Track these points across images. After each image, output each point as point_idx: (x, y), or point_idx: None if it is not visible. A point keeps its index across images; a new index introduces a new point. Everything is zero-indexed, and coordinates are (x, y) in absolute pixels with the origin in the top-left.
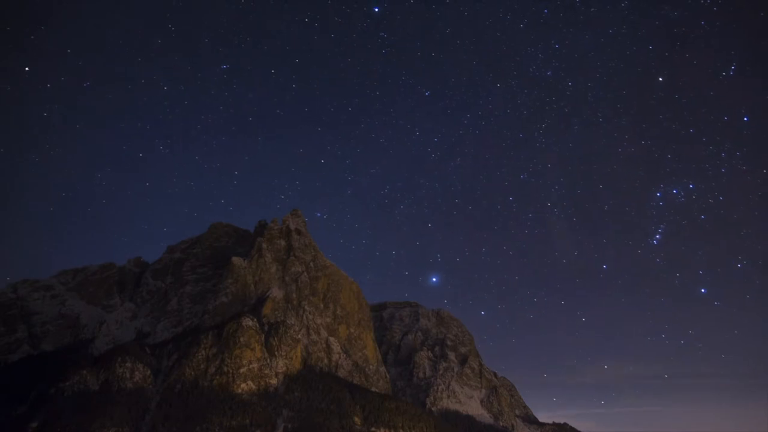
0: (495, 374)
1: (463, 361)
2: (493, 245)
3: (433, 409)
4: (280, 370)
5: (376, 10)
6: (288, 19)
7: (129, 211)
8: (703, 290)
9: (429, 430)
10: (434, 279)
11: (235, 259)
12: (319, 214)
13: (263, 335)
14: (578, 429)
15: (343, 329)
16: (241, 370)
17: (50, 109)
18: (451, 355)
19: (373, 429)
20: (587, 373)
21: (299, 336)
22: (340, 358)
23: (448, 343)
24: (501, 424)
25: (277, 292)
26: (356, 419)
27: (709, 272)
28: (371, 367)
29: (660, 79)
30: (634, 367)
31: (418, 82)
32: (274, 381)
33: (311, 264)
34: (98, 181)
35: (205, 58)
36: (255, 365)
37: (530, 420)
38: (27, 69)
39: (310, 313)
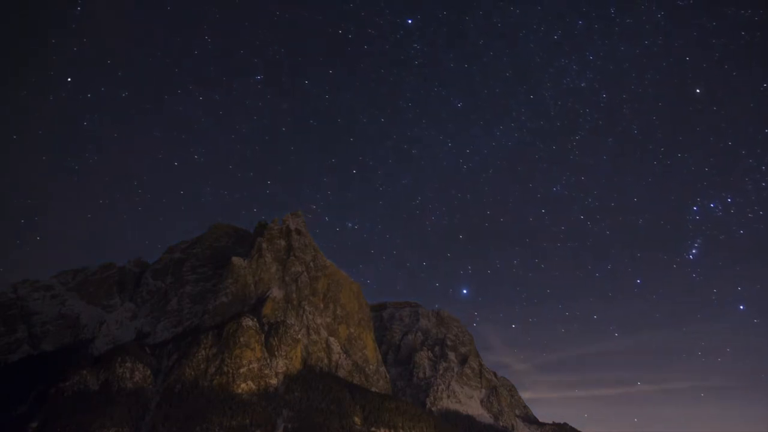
0: (495, 374)
1: (463, 361)
2: (524, 258)
3: (433, 409)
4: (280, 370)
5: (409, 21)
6: (322, 30)
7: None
8: (741, 307)
9: (429, 430)
10: (465, 291)
11: (235, 259)
12: (350, 225)
13: (263, 335)
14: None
15: (343, 329)
16: (241, 370)
17: (90, 119)
18: (451, 355)
19: (373, 429)
20: (620, 388)
21: (299, 336)
22: (340, 358)
23: (448, 343)
24: (501, 424)
25: (277, 292)
26: (356, 419)
27: (748, 288)
28: (371, 367)
29: (697, 90)
30: (668, 384)
31: (451, 94)
32: (274, 381)
33: (311, 264)
34: (135, 189)
35: (240, 69)
36: (255, 365)
37: (530, 420)
38: (69, 80)
39: (310, 313)
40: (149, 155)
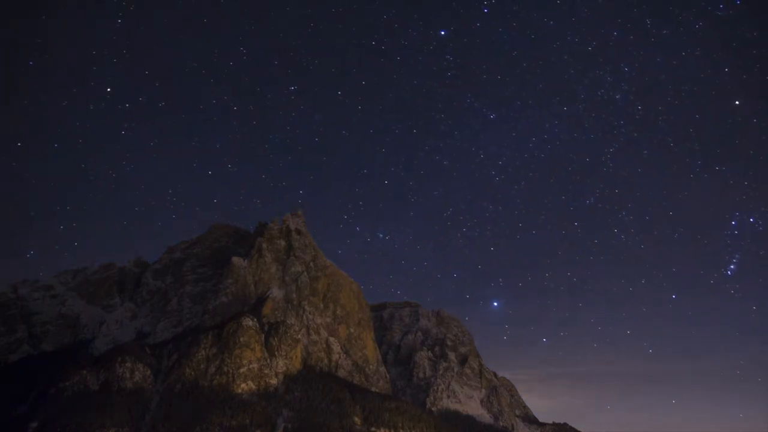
0: (495, 374)
1: (463, 361)
2: (556, 271)
3: (433, 409)
4: (280, 370)
5: (443, 33)
6: (355, 42)
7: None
8: None
9: (429, 430)
10: (495, 304)
11: (235, 259)
12: (381, 235)
13: (263, 335)
14: (578, 429)
15: (343, 329)
16: (241, 370)
17: (128, 128)
18: (451, 355)
19: (373, 429)
20: (654, 407)
21: (299, 336)
22: (340, 358)
23: (448, 343)
24: (501, 424)
25: (277, 292)
26: (356, 419)
27: None
28: (371, 367)
29: (737, 102)
30: (706, 404)
31: (484, 105)
32: (274, 381)
33: (311, 264)
34: (170, 197)
35: (273, 79)
36: (255, 365)
37: (530, 420)
38: (109, 90)
39: (310, 313)
40: (184, 164)
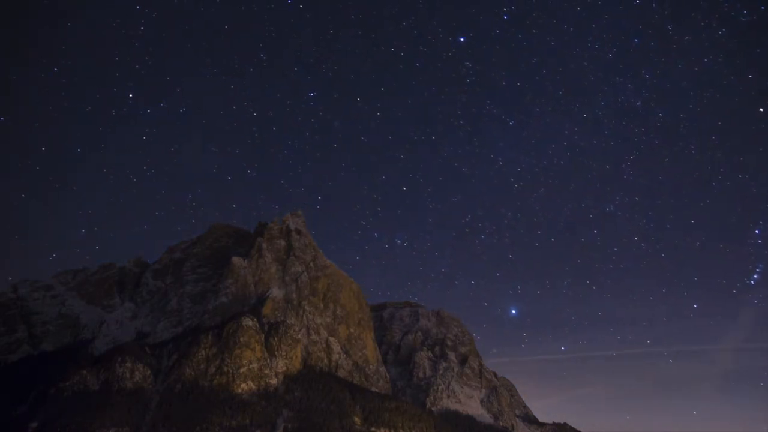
0: (495, 374)
1: (463, 361)
2: (575, 279)
3: (433, 409)
4: (280, 370)
5: (462, 39)
6: (374, 49)
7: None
8: None
9: (429, 430)
10: (513, 311)
11: (235, 259)
12: (399, 241)
13: (263, 335)
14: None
15: (343, 329)
16: (241, 370)
17: (149, 133)
18: (451, 355)
19: (373, 429)
20: (676, 417)
21: (299, 336)
22: (340, 358)
23: (448, 343)
24: (501, 424)
25: (277, 292)
26: (356, 419)
27: None
28: (371, 367)
29: (761, 110)
30: (727, 414)
31: (503, 112)
32: (274, 381)
33: (311, 264)
34: (189, 202)
35: (293, 86)
36: (255, 365)
37: (530, 420)
38: (131, 95)
39: (310, 313)
40: (205, 169)
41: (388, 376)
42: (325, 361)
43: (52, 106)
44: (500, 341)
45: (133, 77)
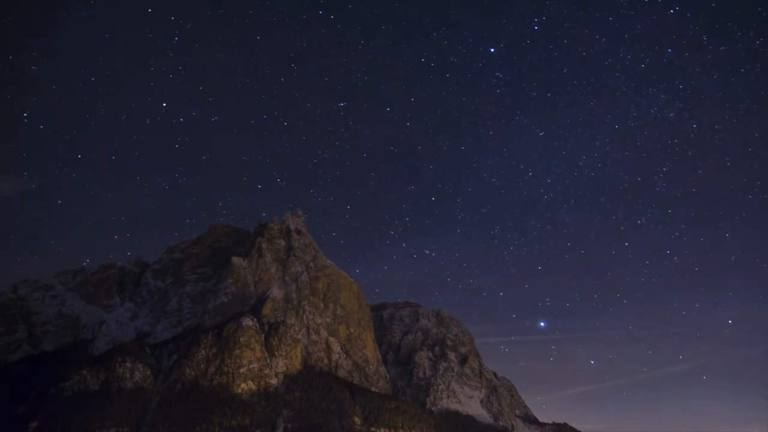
0: (495, 374)
1: (463, 361)
2: (605, 292)
3: (433, 409)
4: (280, 370)
5: (492, 50)
6: (405, 59)
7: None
8: None
9: (429, 430)
10: (542, 324)
11: (235, 259)
12: (427, 252)
13: (263, 335)
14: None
15: (343, 329)
16: (241, 370)
17: (181, 141)
18: (451, 355)
19: (373, 429)
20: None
21: (299, 336)
22: (340, 358)
23: (448, 343)
24: (501, 424)
25: (277, 292)
26: (356, 419)
27: None
28: (371, 367)
29: None
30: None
31: (533, 123)
32: (274, 381)
33: (311, 264)
34: (219, 209)
35: (323, 95)
36: (255, 365)
37: (530, 420)
38: (164, 104)
39: (310, 313)
40: (234, 178)
41: (388, 376)
42: (325, 361)
43: (89, 114)
44: (528, 353)
45: (167, 86)
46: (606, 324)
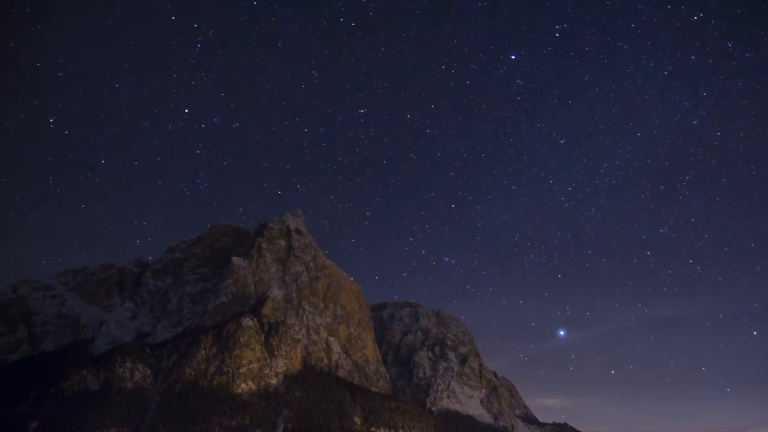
0: (495, 374)
1: (463, 361)
2: (626, 301)
3: (433, 409)
4: (280, 370)
5: (513, 57)
6: (425, 66)
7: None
8: None
9: (429, 430)
10: (562, 333)
11: (235, 259)
12: (446, 259)
13: (263, 335)
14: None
15: (343, 329)
16: (241, 370)
17: (203, 147)
18: (451, 355)
19: (373, 429)
20: None
21: (299, 336)
22: (340, 358)
23: (448, 343)
24: (501, 424)
25: (277, 292)
26: (356, 419)
27: None
28: (371, 367)
29: None
30: None
31: (554, 130)
32: (274, 381)
33: (311, 264)
34: (240, 214)
35: (344, 102)
36: (255, 365)
37: (530, 420)
38: (187, 111)
39: (310, 313)
40: (255, 183)
41: (388, 376)
42: (325, 361)
43: (113, 120)
44: (548, 362)
45: (189, 93)
46: (627, 334)
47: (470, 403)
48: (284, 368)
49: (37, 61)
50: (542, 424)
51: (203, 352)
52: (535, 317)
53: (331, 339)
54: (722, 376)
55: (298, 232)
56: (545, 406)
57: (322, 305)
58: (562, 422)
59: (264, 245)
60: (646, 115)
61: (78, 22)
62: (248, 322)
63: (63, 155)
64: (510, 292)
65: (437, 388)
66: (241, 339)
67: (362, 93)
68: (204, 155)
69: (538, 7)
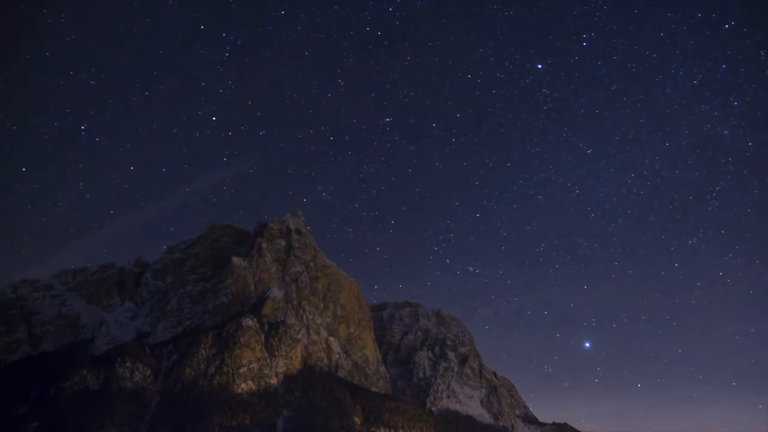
0: (495, 374)
1: (463, 361)
2: (654, 313)
3: (433, 409)
4: (280, 370)
5: (539, 66)
6: (451, 75)
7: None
8: None
9: (429, 430)
10: (587, 344)
11: (235, 259)
12: (471, 268)
13: (263, 335)
14: (579, 429)
15: (343, 329)
16: (241, 370)
17: (229, 154)
18: (451, 355)
19: (373, 429)
20: None
21: (299, 336)
22: (340, 358)
23: (448, 343)
24: (501, 424)
25: (277, 292)
26: (356, 419)
27: None
28: (371, 367)
29: None
30: None
31: (580, 139)
32: (274, 381)
33: (311, 264)
34: (265, 222)
35: (370, 111)
36: (255, 365)
37: (530, 420)
38: (214, 119)
39: (310, 313)
40: (281, 192)
41: (388, 376)
42: (325, 361)
43: (142, 127)
44: (573, 374)
45: (217, 101)
46: (654, 347)
47: (470, 403)
48: (284, 368)
49: (70, 70)
50: (542, 424)
51: (203, 352)
52: (560, 328)
53: (331, 339)
54: (753, 392)
55: (298, 232)
56: (572, 415)
57: (322, 305)
58: (562, 422)
59: (264, 245)
60: (674, 124)
61: (109, 32)
62: (248, 322)
63: (93, 161)
64: (535, 302)
65: (437, 388)
66: (241, 339)
67: (388, 102)
68: (230, 162)
69: (565, 15)
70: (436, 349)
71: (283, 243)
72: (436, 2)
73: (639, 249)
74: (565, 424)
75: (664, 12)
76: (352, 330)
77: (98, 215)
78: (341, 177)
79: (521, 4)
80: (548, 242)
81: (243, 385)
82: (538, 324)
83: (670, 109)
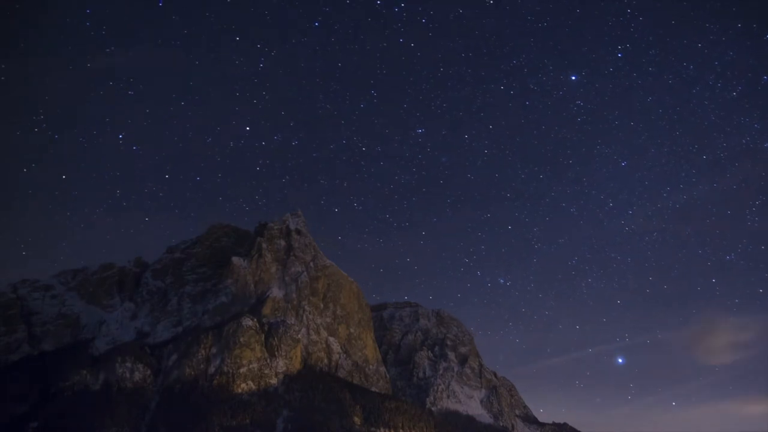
0: (495, 374)
1: (463, 361)
2: (690, 331)
3: (433, 409)
4: (280, 370)
5: (574, 78)
6: (483, 87)
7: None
8: None
9: (429, 430)
10: (620, 360)
11: (235, 259)
12: (502, 281)
13: (263, 335)
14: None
15: (343, 329)
16: (241, 370)
17: (263, 164)
18: (451, 355)
19: (373, 429)
20: None
21: (299, 336)
22: (340, 358)
23: (448, 343)
24: (501, 424)
25: (277, 292)
26: (356, 419)
27: None
28: (371, 367)
29: None
30: None
31: (615, 152)
32: (274, 381)
33: (311, 264)
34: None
35: (402, 122)
36: (255, 365)
37: (530, 420)
38: (248, 128)
39: (310, 313)
40: (314, 202)
41: (388, 376)
42: (325, 361)
43: (177, 136)
44: (605, 390)
45: (251, 111)
46: (689, 364)
47: (470, 403)
48: (284, 368)
49: (109, 80)
50: (542, 424)
51: (203, 352)
52: (591, 343)
53: (331, 339)
54: None
55: (298, 232)
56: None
57: (322, 305)
58: (561, 422)
59: (264, 245)
60: (712, 137)
61: (147, 44)
62: (248, 322)
63: (130, 170)
64: (566, 316)
65: (437, 388)
66: (241, 339)
67: (420, 113)
68: (263, 172)
69: (599, 27)
70: (436, 349)
71: (283, 243)
72: (469, 14)
73: (674, 264)
74: (565, 424)
75: (702, 23)
76: (352, 330)
77: (134, 221)
78: (373, 188)
79: (555, 15)
80: (581, 255)
81: (243, 385)
82: (569, 338)
83: (708, 121)
